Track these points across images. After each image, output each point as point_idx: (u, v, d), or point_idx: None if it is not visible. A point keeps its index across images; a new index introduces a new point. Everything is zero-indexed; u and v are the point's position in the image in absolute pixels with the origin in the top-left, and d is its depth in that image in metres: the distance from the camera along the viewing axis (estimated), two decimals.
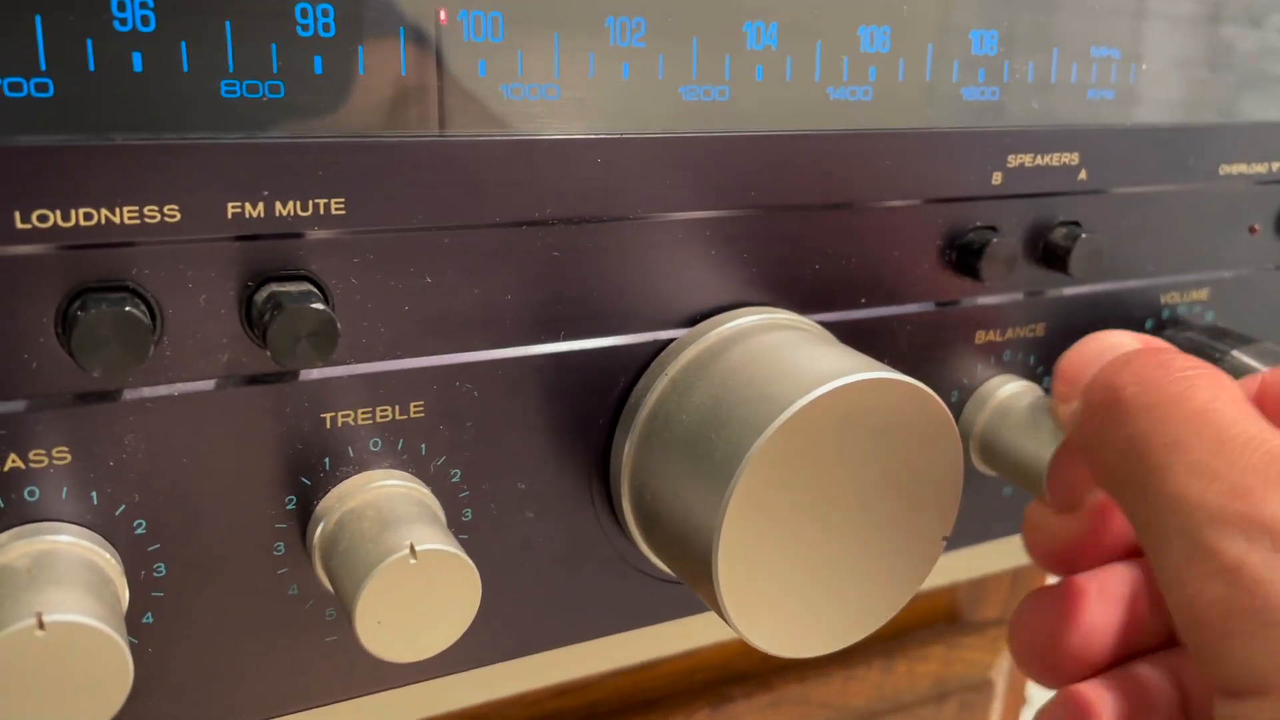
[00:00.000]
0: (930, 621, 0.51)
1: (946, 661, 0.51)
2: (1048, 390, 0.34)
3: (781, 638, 0.26)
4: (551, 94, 0.25)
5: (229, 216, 0.22)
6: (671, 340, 0.28)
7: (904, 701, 0.49)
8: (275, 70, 0.22)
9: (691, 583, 0.26)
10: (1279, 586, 0.18)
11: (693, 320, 0.28)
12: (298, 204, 0.22)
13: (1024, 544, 0.29)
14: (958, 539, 0.36)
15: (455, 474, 0.26)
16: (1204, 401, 0.21)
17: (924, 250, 0.31)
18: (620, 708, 0.43)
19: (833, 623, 0.26)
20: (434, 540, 0.22)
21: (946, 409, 0.26)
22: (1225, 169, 0.36)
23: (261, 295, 0.22)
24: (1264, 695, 0.17)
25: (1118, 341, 0.25)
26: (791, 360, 0.26)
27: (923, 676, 0.50)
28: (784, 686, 0.46)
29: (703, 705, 0.44)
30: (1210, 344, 0.35)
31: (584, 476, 0.28)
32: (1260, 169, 0.36)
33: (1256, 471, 0.19)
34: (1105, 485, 0.23)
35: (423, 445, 0.25)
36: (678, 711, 0.43)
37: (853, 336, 0.30)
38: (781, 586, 0.25)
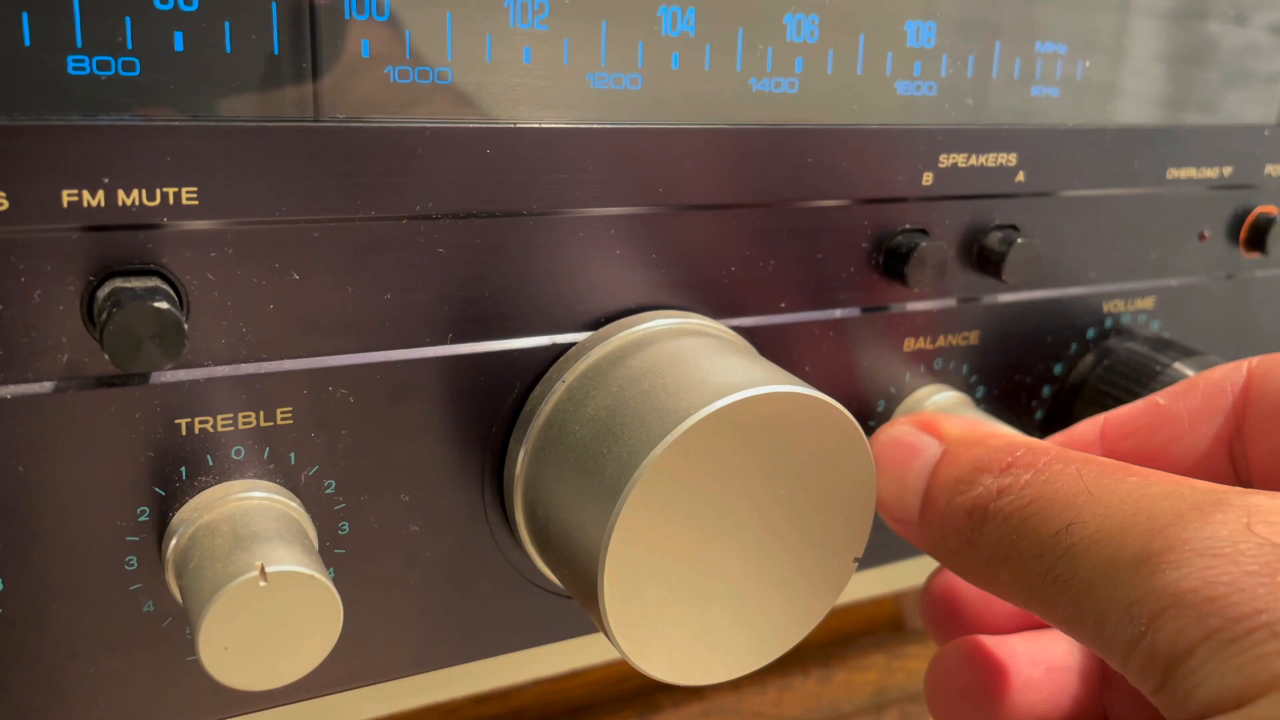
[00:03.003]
0: (873, 629, 0.50)
1: (887, 671, 0.49)
2: (980, 400, 0.33)
3: (676, 665, 0.24)
4: (444, 78, 0.24)
5: (65, 205, 0.20)
6: (572, 345, 0.26)
7: (842, 711, 0.48)
8: (130, 46, 0.21)
9: (583, 605, 0.24)
10: (1226, 603, 0.17)
11: (596, 324, 0.26)
12: (143, 192, 0.20)
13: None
14: (889, 554, 0.34)
15: (330, 485, 0.24)
16: (1071, 478, 0.20)
17: (849, 253, 0.29)
18: (544, 716, 0.42)
19: (733, 648, 0.25)
20: (288, 561, 0.21)
21: (857, 425, 0.24)
22: (1174, 173, 0.34)
23: (104, 291, 0.20)
24: (1235, 709, 0.16)
25: (914, 446, 0.24)
26: (693, 370, 0.24)
27: (862, 686, 0.48)
28: (716, 696, 0.44)
29: (630, 715, 0.43)
30: (1152, 356, 0.33)
31: (476, 488, 0.26)
32: (1211, 174, 0.35)
33: (1156, 513, 0.18)
34: (1002, 593, 0.21)
35: (292, 454, 0.23)
36: None
37: (771, 343, 0.28)
38: (676, 611, 0.24)
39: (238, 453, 0.23)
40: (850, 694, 0.48)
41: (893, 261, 0.29)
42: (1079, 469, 0.20)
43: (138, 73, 0.21)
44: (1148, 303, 0.35)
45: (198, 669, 0.24)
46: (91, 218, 0.20)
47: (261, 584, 0.20)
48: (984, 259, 0.31)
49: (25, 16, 0.20)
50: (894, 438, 0.24)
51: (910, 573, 0.43)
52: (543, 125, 0.24)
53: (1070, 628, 0.19)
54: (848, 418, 0.24)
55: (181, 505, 0.22)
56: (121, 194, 0.20)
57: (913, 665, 0.50)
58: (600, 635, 0.30)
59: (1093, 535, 0.19)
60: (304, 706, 0.31)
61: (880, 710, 0.49)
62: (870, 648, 0.49)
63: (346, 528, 0.25)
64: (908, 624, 0.51)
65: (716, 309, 0.28)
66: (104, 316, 0.20)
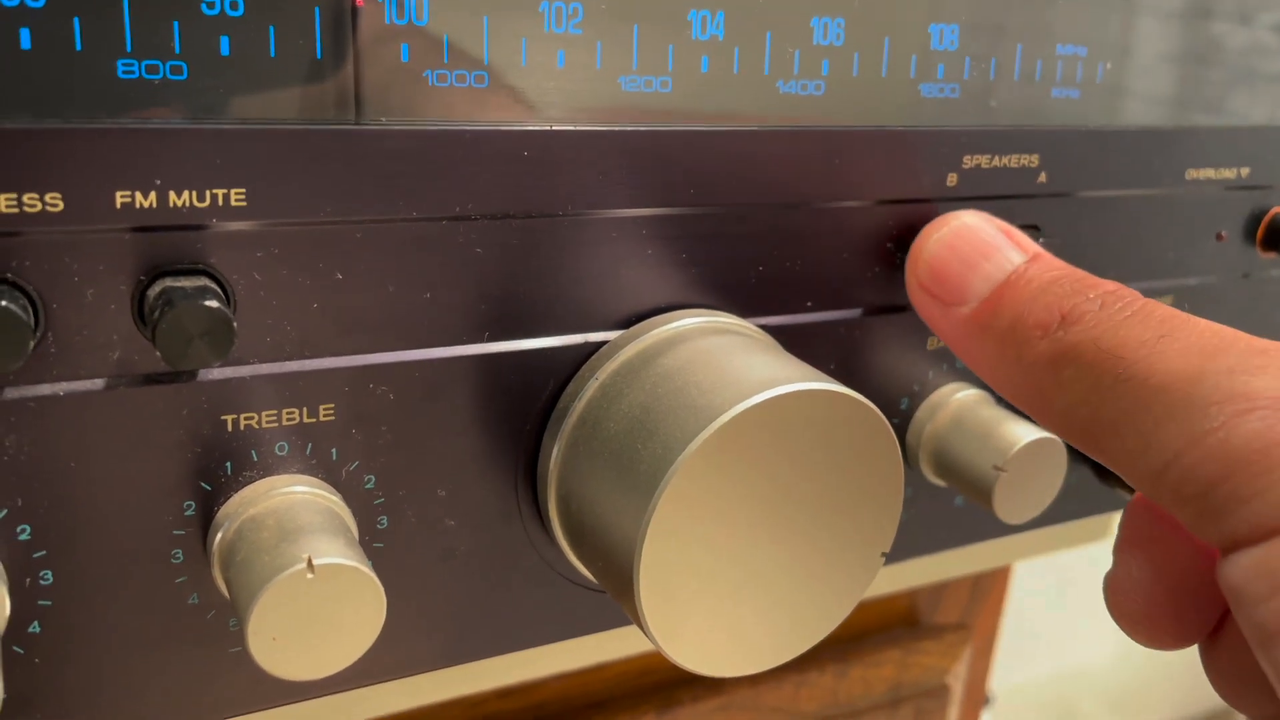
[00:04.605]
0: (888, 625, 0.51)
1: (903, 666, 0.50)
2: (1000, 399, 0.33)
3: (708, 656, 0.25)
4: (480, 82, 0.24)
5: (118, 206, 0.20)
6: (605, 343, 0.26)
7: (858, 707, 0.48)
8: (178, 50, 0.21)
9: (616, 597, 0.25)
10: None
11: (628, 322, 0.27)
12: (194, 194, 0.21)
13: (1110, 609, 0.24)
14: (907, 550, 0.35)
15: (369, 480, 0.24)
16: (1171, 310, 0.21)
17: (874, 253, 0.30)
18: (565, 710, 0.42)
19: (763, 640, 0.25)
20: (334, 553, 0.21)
21: (885, 422, 0.25)
22: (1192, 174, 0.34)
23: (154, 291, 0.21)
24: None
25: (992, 243, 0.24)
26: (724, 368, 0.24)
27: (877, 682, 0.49)
28: (734, 690, 0.45)
29: (649, 709, 0.43)
30: None
31: (510, 484, 0.26)
32: (1229, 174, 0.35)
33: (1256, 345, 0.19)
34: (1047, 395, 0.21)
35: (334, 450, 0.24)
36: (623, 714, 0.42)
37: (798, 341, 0.29)
38: (709, 603, 0.24)
39: (281, 448, 0.23)
40: (866, 689, 0.48)
41: None
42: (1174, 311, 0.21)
43: (185, 76, 0.21)
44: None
45: (240, 660, 0.25)
46: (143, 219, 0.21)
47: (309, 576, 0.21)
48: None
49: (76, 21, 0.20)
50: (975, 230, 0.24)
51: (925, 570, 0.43)
52: (577, 128, 0.25)
53: (1114, 429, 0.19)
54: (877, 414, 0.25)
55: (226, 500, 0.23)
56: (173, 195, 0.21)
57: (927, 661, 0.50)
58: (623, 630, 0.31)
59: (1184, 348, 0.19)
60: (333, 700, 0.31)
61: (895, 705, 0.50)
62: (886, 644, 0.49)
63: (385, 522, 0.25)
64: (923, 620, 0.52)
65: (744, 308, 0.28)
66: (155, 315, 0.20)
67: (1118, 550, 0.23)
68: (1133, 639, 0.23)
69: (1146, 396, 0.19)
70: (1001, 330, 0.23)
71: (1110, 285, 0.22)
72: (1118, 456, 0.20)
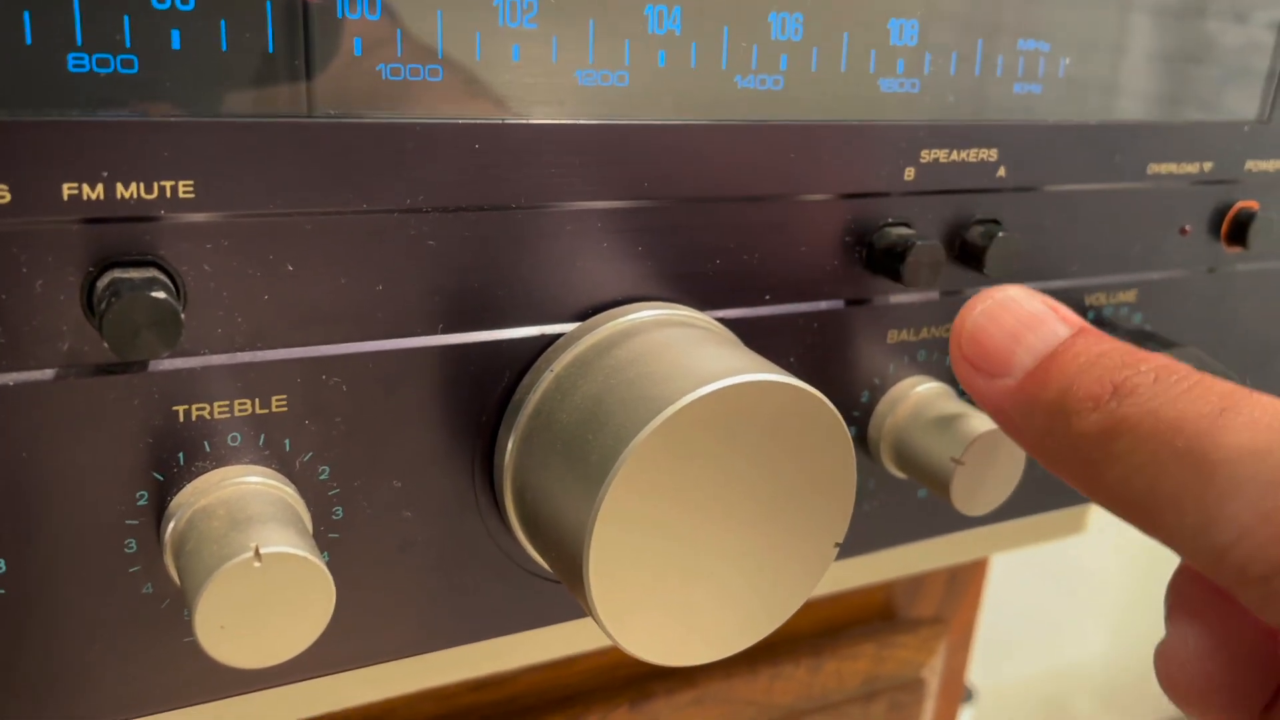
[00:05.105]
0: (864, 619, 0.51)
1: (878, 660, 0.50)
2: (963, 392, 0.33)
3: (660, 645, 0.25)
4: (435, 75, 0.24)
5: (65, 198, 0.21)
6: (561, 335, 0.27)
7: (832, 700, 0.49)
8: (128, 44, 0.21)
9: (570, 588, 0.25)
10: None
11: (583, 315, 0.27)
12: (141, 186, 0.21)
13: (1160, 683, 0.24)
14: (878, 541, 0.35)
15: (324, 471, 0.25)
16: (1232, 384, 0.20)
17: (832, 246, 0.30)
18: (538, 703, 0.42)
19: (716, 630, 0.25)
20: (283, 542, 0.21)
21: (837, 413, 0.25)
22: (1155, 168, 0.35)
23: (103, 282, 0.21)
24: None
25: (1038, 315, 0.24)
26: (677, 359, 0.25)
27: (852, 675, 0.49)
28: (708, 683, 0.45)
29: (623, 702, 0.43)
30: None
31: (467, 476, 0.27)
32: (1191, 169, 0.35)
33: None
34: (1099, 467, 0.21)
35: (287, 441, 0.24)
36: (597, 707, 0.43)
37: (756, 334, 0.29)
38: (661, 593, 0.24)
39: (234, 439, 0.23)
40: (840, 683, 0.49)
41: (882, 258, 0.30)
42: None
43: (136, 70, 0.21)
44: (1129, 296, 0.36)
45: (195, 649, 0.25)
46: (91, 210, 0.21)
47: (256, 565, 0.21)
48: (966, 252, 0.31)
49: (27, 16, 0.20)
50: (1019, 302, 0.24)
51: (901, 562, 0.44)
52: (531, 121, 0.25)
53: (1173, 504, 0.19)
54: (828, 406, 0.25)
55: (179, 490, 0.23)
56: (120, 187, 0.21)
57: (902, 654, 0.51)
58: (588, 620, 0.31)
59: (1249, 423, 0.19)
60: (300, 689, 0.31)
61: (870, 699, 0.50)
62: (861, 637, 0.49)
63: (340, 513, 0.25)
64: (898, 614, 0.52)
65: (702, 301, 0.28)
66: (103, 306, 0.20)
67: (1170, 619, 0.23)
68: (1184, 712, 0.23)
69: (1210, 471, 0.19)
70: (1048, 401, 0.22)
71: (1162, 359, 0.22)
72: (1176, 532, 0.19)
